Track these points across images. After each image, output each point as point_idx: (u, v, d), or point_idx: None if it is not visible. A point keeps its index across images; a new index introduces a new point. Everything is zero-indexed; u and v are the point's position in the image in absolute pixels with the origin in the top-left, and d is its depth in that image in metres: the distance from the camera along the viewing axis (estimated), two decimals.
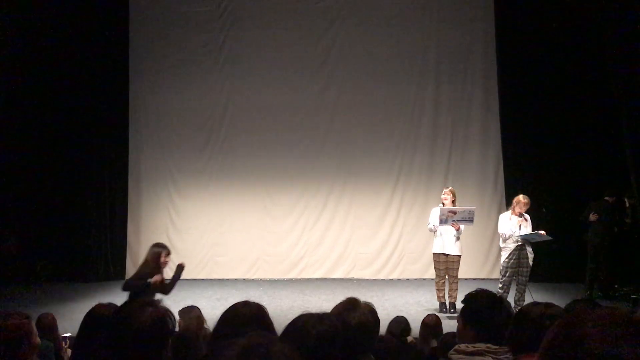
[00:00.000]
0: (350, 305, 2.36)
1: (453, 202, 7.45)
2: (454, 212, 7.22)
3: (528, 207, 7.06)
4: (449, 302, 7.46)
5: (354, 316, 2.28)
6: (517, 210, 7.02)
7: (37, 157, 10.16)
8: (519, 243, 6.95)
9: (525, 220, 7.06)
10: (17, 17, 9.39)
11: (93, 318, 2.52)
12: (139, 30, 10.44)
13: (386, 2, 10.23)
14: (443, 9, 10.17)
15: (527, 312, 2.10)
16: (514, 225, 6.98)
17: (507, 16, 9.85)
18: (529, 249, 7.00)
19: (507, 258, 7.01)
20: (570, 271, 9.06)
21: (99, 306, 2.60)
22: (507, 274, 7.02)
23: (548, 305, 2.14)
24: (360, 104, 10.19)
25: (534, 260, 7.14)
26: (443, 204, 7.42)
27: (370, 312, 2.37)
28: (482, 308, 2.35)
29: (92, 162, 10.31)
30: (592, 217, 8.44)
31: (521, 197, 7.09)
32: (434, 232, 7.48)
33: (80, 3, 10.08)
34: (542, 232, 6.98)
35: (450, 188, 7.60)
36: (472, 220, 7.30)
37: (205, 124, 10.43)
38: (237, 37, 10.38)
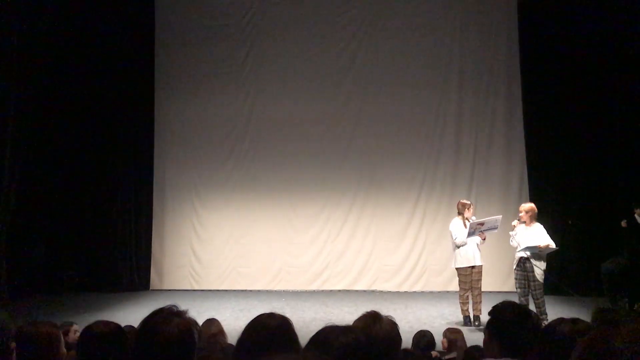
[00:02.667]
0: (372, 318, 2.36)
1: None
2: (482, 224, 7.19)
3: (523, 214, 6.98)
4: (474, 315, 7.36)
5: (376, 329, 2.27)
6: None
7: (64, 169, 10.35)
8: (521, 255, 6.87)
9: (522, 226, 6.97)
10: (41, 32, 9.59)
11: (91, 335, 2.50)
12: (164, 44, 10.61)
13: (409, 13, 10.24)
14: (466, 19, 10.13)
15: (555, 329, 2.07)
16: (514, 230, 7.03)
17: (531, 26, 9.79)
18: (535, 262, 6.79)
19: (515, 269, 7.00)
20: (598, 285, 8.85)
21: (98, 323, 2.58)
22: (517, 285, 6.98)
23: (575, 321, 2.11)
24: (383, 114, 10.18)
25: (548, 273, 7.02)
26: (468, 219, 7.37)
27: (391, 326, 2.36)
28: (508, 321, 2.32)
29: (118, 173, 10.47)
30: (623, 223, 8.09)
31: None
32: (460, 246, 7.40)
33: (107, 17, 10.29)
34: (541, 244, 6.77)
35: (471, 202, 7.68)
36: (497, 228, 7.30)
37: (229, 136, 10.52)
38: (260, 49, 10.48)
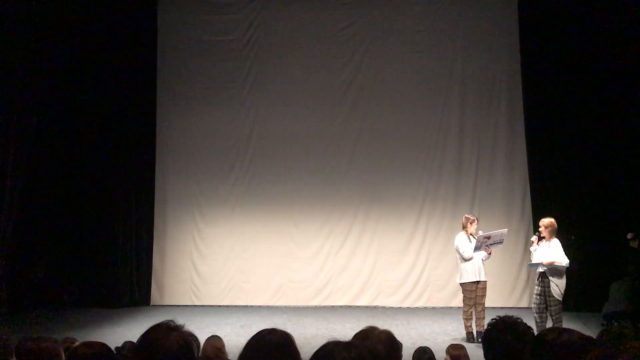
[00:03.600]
0: (368, 333, 2.36)
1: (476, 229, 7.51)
2: (488, 237, 7.18)
3: (543, 229, 6.96)
4: (477, 331, 7.32)
5: (372, 344, 2.27)
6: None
7: (64, 183, 10.33)
8: (540, 270, 6.85)
9: (543, 242, 6.94)
10: (44, 45, 9.67)
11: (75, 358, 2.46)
12: (166, 59, 10.65)
13: (411, 29, 10.29)
14: (468, 36, 10.17)
15: (542, 337, 2.05)
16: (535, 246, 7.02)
17: (532, 42, 9.82)
18: (553, 279, 6.73)
19: (535, 284, 6.97)
20: (601, 300, 8.79)
21: (82, 346, 2.53)
22: (533, 301, 6.95)
23: (570, 332, 2.08)
24: (384, 130, 10.20)
25: (566, 291, 6.94)
26: (472, 234, 7.36)
27: (387, 340, 2.36)
28: (496, 333, 2.31)
29: (119, 188, 10.45)
30: (633, 243, 7.94)
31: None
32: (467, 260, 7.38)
33: (110, 32, 10.33)
34: (543, 262, 6.77)
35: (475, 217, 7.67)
36: (502, 242, 7.32)
37: (231, 151, 10.53)
38: (262, 65, 10.52)
